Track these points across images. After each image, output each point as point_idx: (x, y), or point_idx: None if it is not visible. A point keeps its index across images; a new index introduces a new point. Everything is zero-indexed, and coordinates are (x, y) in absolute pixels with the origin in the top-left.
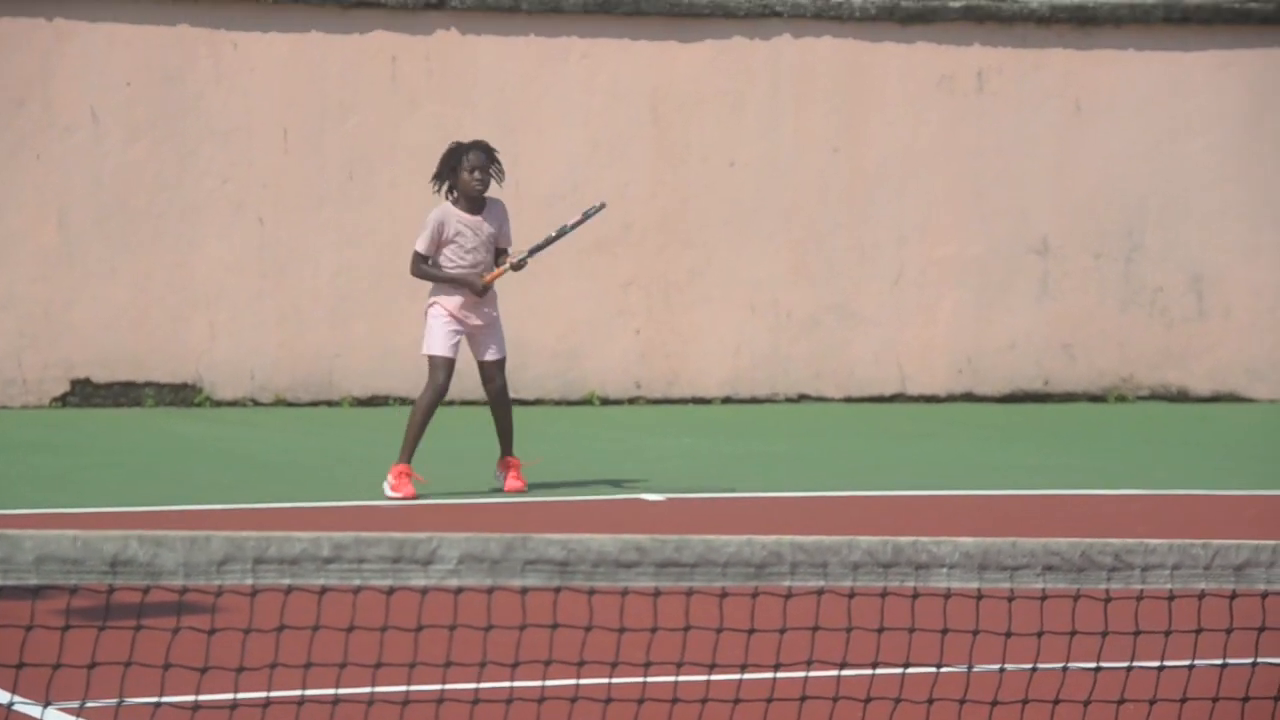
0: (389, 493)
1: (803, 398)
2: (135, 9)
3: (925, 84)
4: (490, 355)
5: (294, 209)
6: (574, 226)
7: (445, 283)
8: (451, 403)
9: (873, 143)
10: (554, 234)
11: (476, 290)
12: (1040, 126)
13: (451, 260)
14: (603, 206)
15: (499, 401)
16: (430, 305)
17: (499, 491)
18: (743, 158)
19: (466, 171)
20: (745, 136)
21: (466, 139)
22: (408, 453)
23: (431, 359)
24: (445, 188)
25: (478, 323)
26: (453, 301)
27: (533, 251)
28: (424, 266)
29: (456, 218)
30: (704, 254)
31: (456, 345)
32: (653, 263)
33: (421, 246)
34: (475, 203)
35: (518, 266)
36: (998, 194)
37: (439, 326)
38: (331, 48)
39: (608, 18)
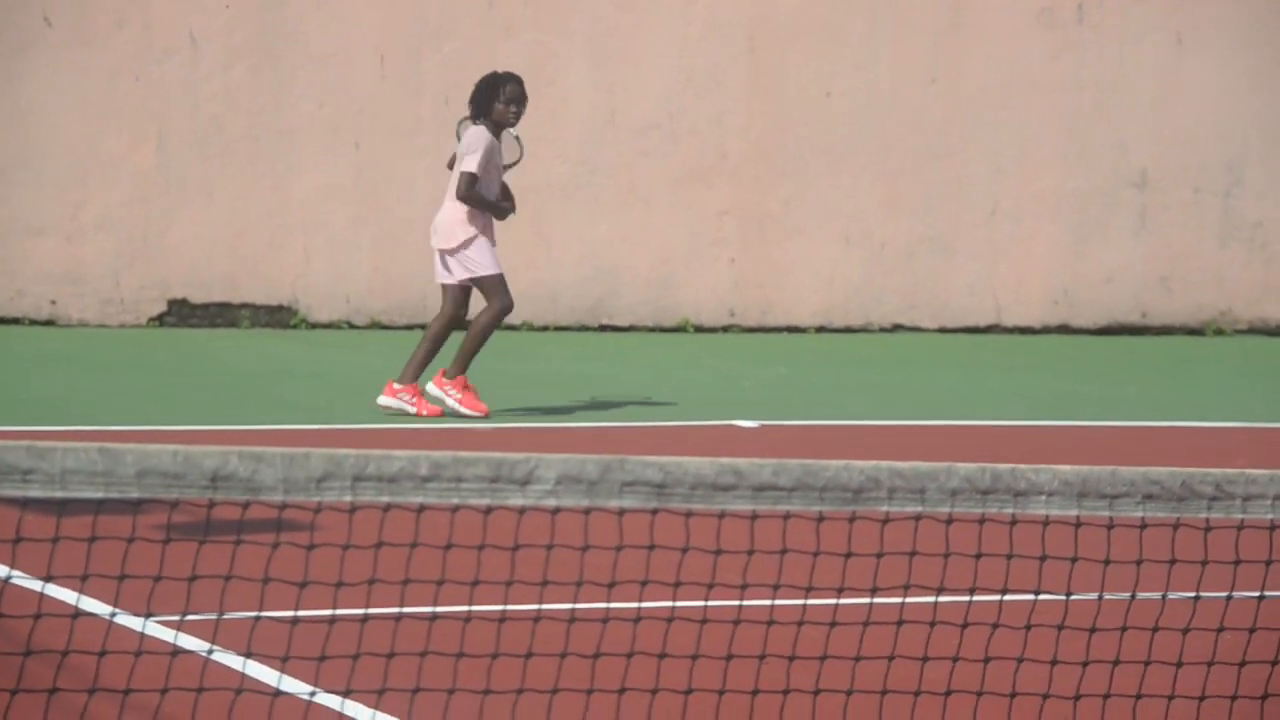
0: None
1: (897, 328)
2: None
3: (1025, 15)
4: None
5: (390, 134)
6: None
7: (490, 210)
8: (546, 327)
9: (971, 74)
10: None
11: (503, 217)
12: (1141, 60)
13: (488, 190)
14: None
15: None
16: (474, 237)
17: (595, 414)
18: (839, 88)
19: (503, 104)
20: (842, 67)
21: (564, 67)
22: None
23: (497, 278)
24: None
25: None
26: (490, 230)
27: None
28: (478, 192)
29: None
30: (799, 184)
31: None
32: (748, 192)
33: (475, 167)
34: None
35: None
36: (1096, 127)
37: (487, 247)
38: None
39: None
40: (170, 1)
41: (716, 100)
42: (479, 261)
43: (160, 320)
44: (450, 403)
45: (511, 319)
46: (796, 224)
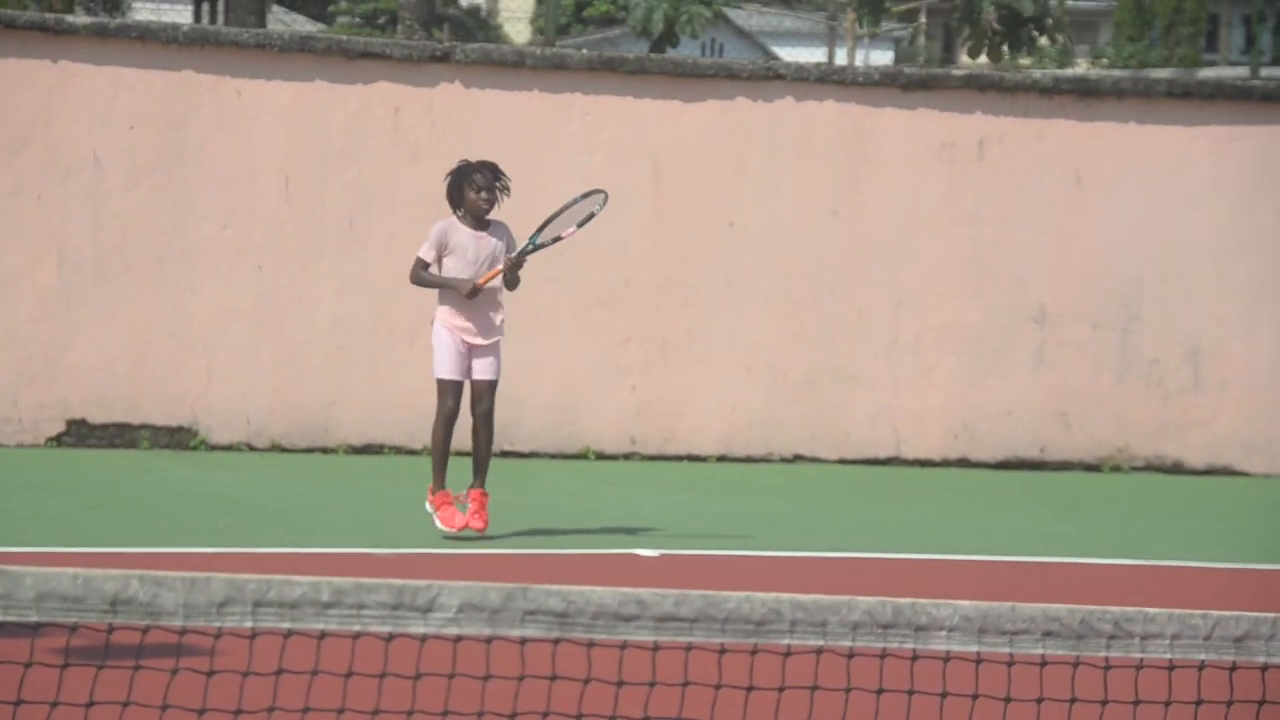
0: (440, 528)
1: (798, 458)
2: (140, 53)
3: (926, 150)
4: (486, 376)
5: (293, 257)
6: (572, 232)
7: (439, 287)
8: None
9: (872, 207)
10: (548, 241)
11: (463, 291)
12: (1040, 196)
13: (452, 271)
14: (596, 207)
15: (488, 424)
16: (433, 321)
17: (497, 541)
18: (742, 219)
19: (473, 191)
20: (745, 197)
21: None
22: (438, 479)
23: (439, 382)
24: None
25: (474, 341)
26: (454, 318)
27: (524, 252)
28: (422, 272)
29: (460, 230)
30: (702, 313)
31: (463, 367)
32: (651, 320)
33: (423, 252)
34: (480, 222)
35: (515, 265)
36: (996, 262)
37: (441, 347)
38: (335, 97)
39: (611, 75)
40: (74, 121)
41: (620, 228)
42: (434, 358)
43: (59, 440)
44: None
45: (412, 443)
46: (699, 352)
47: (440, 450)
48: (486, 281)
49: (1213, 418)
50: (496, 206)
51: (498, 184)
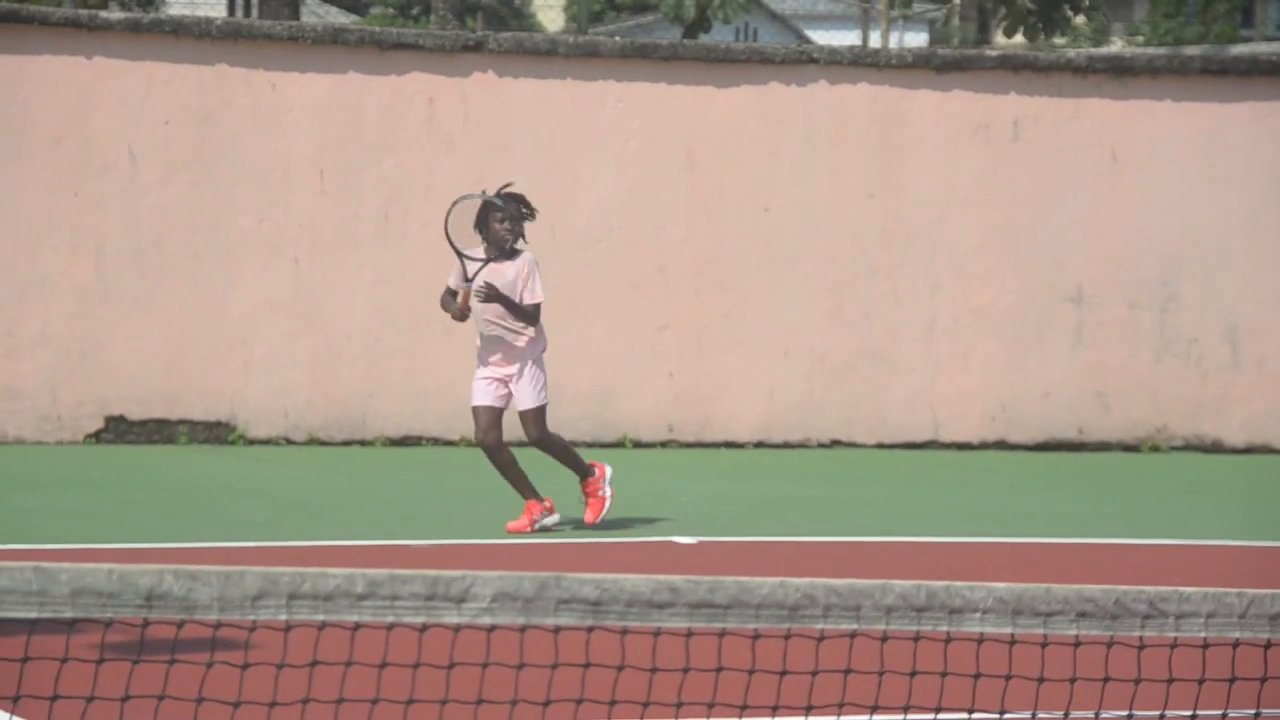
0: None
1: (835, 443)
2: (174, 48)
3: (961, 132)
4: (518, 406)
5: (329, 249)
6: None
7: (444, 310)
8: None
9: (908, 190)
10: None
11: (451, 315)
12: (1076, 176)
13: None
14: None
15: (541, 449)
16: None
17: (531, 532)
18: (777, 203)
19: (496, 221)
20: (780, 182)
21: (502, 181)
22: (524, 491)
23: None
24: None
25: (505, 372)
26: (478, 346)
27: (476, 271)
28: (443, 296)
29: (475, 263)
30: (738, 298)
31: (492, 393)
32: (687, 306)
33: (449, 280)
34: (505, 252)
35: (471, 292)
36: (1033, 243)
37: (476, 377)
38: (369, 89)
39: (645, 62)
40: (109, 117)
41: (655, 214)
42: None
43: (97, 437)
44: None
45: (449, 434)
46: (735, 338)
47: (502, 474)
48: (465, 303)
49: (1252, 396)
50: (521, 239)
51: (523, 211)
